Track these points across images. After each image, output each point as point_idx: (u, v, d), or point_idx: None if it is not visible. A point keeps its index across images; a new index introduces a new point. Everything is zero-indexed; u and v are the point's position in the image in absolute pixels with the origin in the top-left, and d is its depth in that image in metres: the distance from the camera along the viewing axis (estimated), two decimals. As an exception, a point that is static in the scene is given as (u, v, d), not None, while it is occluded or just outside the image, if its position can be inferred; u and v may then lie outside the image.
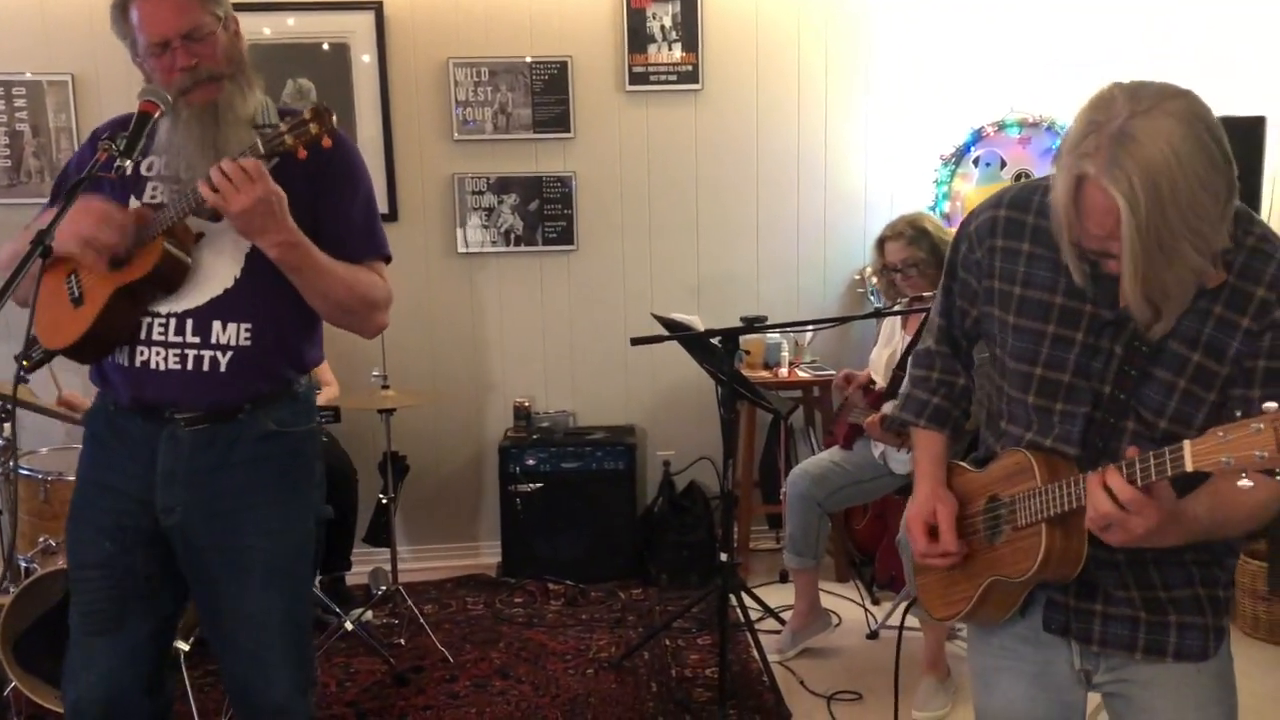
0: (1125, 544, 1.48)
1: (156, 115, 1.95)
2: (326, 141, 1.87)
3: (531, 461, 4.32)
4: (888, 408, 3.44)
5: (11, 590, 3.25)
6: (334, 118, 1.86)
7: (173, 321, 2.00)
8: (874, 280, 4.39)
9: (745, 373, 4.11)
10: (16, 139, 4.22)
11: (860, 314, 4.32)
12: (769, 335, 4.42)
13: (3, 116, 4.20)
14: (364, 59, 4.31)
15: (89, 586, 2.10)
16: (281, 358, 2.10)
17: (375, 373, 3.82)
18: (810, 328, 4.46)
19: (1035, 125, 4.34)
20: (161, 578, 2.11)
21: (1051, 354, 1.63)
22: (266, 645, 2.09)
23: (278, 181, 1.89)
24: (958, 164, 4.39)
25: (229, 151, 1.91)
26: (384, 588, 3.98)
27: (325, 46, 4.29)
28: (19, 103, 4.20)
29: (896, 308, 3.52)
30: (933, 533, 1.77)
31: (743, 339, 4.32)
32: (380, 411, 3.76)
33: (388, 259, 2.19)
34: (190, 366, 2.00)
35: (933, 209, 4.37)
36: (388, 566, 3.97)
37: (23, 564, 3.36)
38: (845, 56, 4.50)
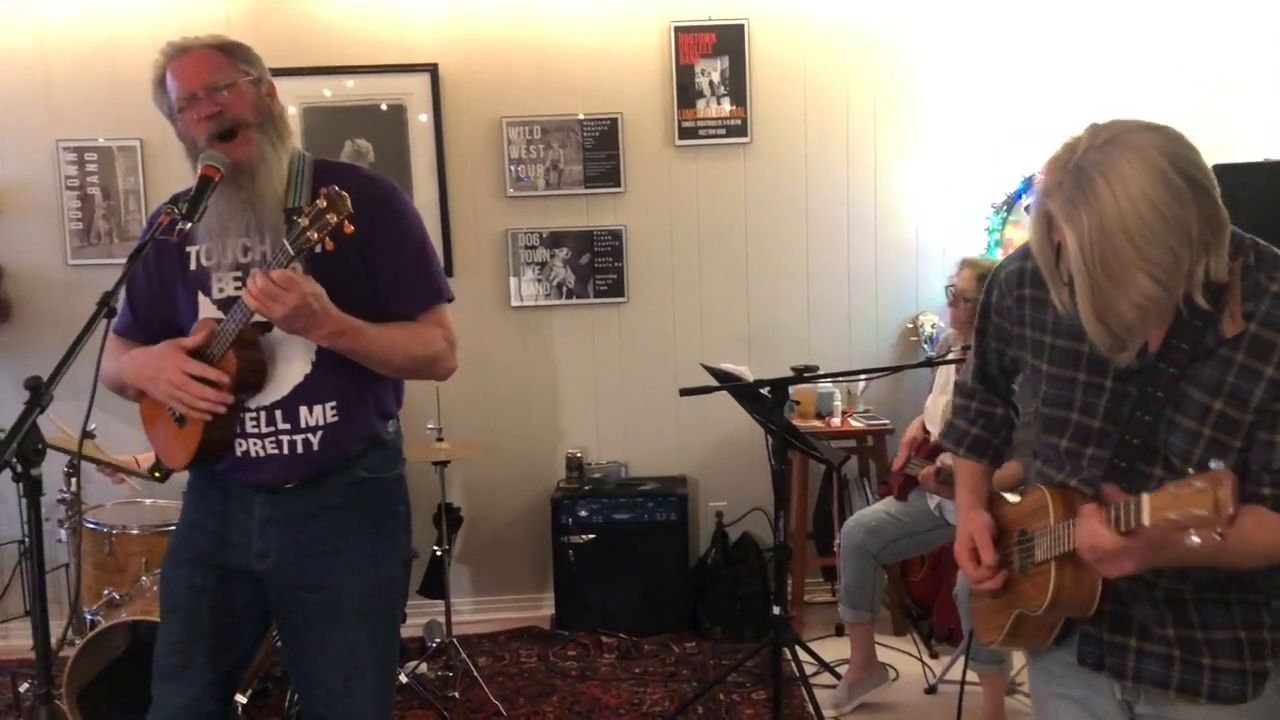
0: (1123, 575, 1.49)
1: (217, 179, 2.02)
2: (348, 228, 1.90)
3: (584, 513, 4.33)
4: (942, 459, 3.41)
5: (77, 643, 3.32)
6: (349, 202, 1.89)
7: (263, 414, 2.09)
8: (929, 327, 4.38)
9: (797, 423, 4.11)
10: (88, 202, 4.38)
11: (910, 363, 4.29)
12: (820, 385, 4.41)
13: (75, 180, 4.36)
14: (421, 119, 4.41)
15: (165, 629, 2.20)
16: (367, 417, 2.19)
17: (430, 425, 3.87)
18: (861, 378, 4.44)
19: (1087, 172, 4.30)
20: (233, 628, 2.18)
21: (1084, 400, 1.63)
22: (355, 683, 2.14)
23: (329, 258, 1.96)
24: (1009, 211, 4.37)
25: (263, 214, 2.01)
26: (439, 640, 4.00)
27: (384, 108, 4.41)
28: (90, 167, 4.36)
29: (949, 356, 3.51)
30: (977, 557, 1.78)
31: (794, 389, 4.34)
32: (435, 464, 3.80)
33: (449, 300, 2.24)
34: (285, 451, 2.10)
35: (984, 256, 4.35)
36: (442, 619, 3.99)
37: (88, 617, 3.43)
38: (895, 105, 4.52)
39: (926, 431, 3.68)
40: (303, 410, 2.10)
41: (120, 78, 4.29)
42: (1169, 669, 1.62)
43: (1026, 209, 4.37)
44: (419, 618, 4.24)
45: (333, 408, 2.12)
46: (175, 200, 1.98)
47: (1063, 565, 1.59)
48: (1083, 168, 1.40)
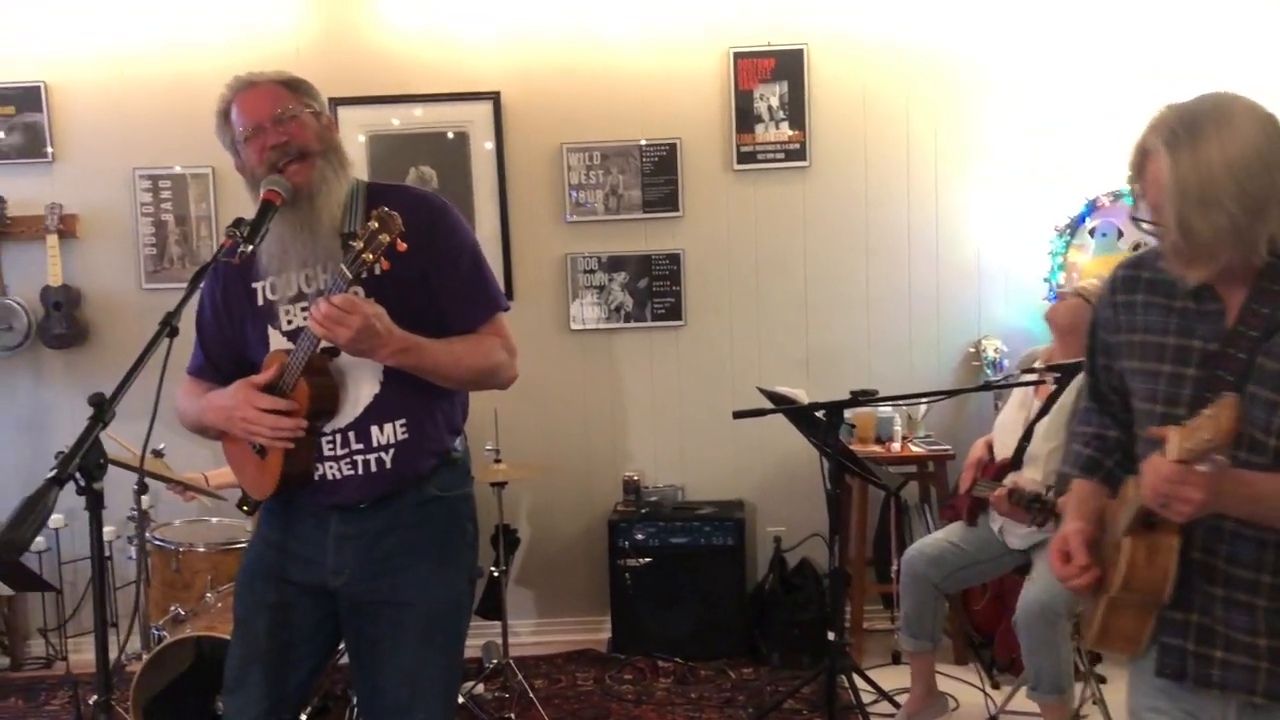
0: (1190, 516, 1.54)
1: (278, 204, 2.09)
2: (401, 246, 1.95)
3: (640, 536, 4.34)
4: (1012, 480, 3.36)
5: (144, 657, 3.40)
6: (399, 221, 1.94)
7: (338, 437, 2.16)
8: (991, 351, 4.32)
9: (856, 447, 4.08)
10: (162, 228, 4.52)
11: (968, 387, 4.24)
12: (880, 409, 4.37)
13: (150, 207, 4.51)
14: (486, 146, 4.49)
15: (237, 640, 2.28)
16: (437, 433, 2.24)
17: (488, 446, 3.92)
18: (920, 401, 4.38)
19: (1153, 194, 4.22)
20: (298, 645, 2.24)
21: (1168, 391, 1.70)
22: (419, 698, 2.18)
23: (386, 278, 2.01)
24: (1073, 235, 4.31)
25: (322, 240, 2.07)
26: (495, 661, 4.02)
27: (450, 135, 4.49)
28: (164, 194, 4.51)
29: (1010, 379, 3.47)
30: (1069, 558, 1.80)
31: (854, 413, 4.34)
32: (493, 484, 3.84)
33: (506, 309, 2.29)
34: (361, 470, 2.17)
35: (1047, 280, 4.29)
36: (500, 639, 4.01)
37: (154, 632, 3.51)
38: (955, 128, 4.50)
39: (993, 453, 3.62)
40: (374, 430, 2.16)
41: (195, 107, 4.36)
42: (1254, 676, 1.64)
43: (1090, 232, 4.30)
44: (476, 638, 4.26)
45: (403, 425, 2.17)
46: (238, 224, 2.05)
47: (1136, 541, 1.65)
48: (1192, 111, 1.58)
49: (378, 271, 1.97)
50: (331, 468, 2.17)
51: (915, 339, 4.57)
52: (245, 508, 2.29)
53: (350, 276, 1.98)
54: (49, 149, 4.48)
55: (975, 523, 3.57)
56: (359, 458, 2.16)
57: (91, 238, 4.53)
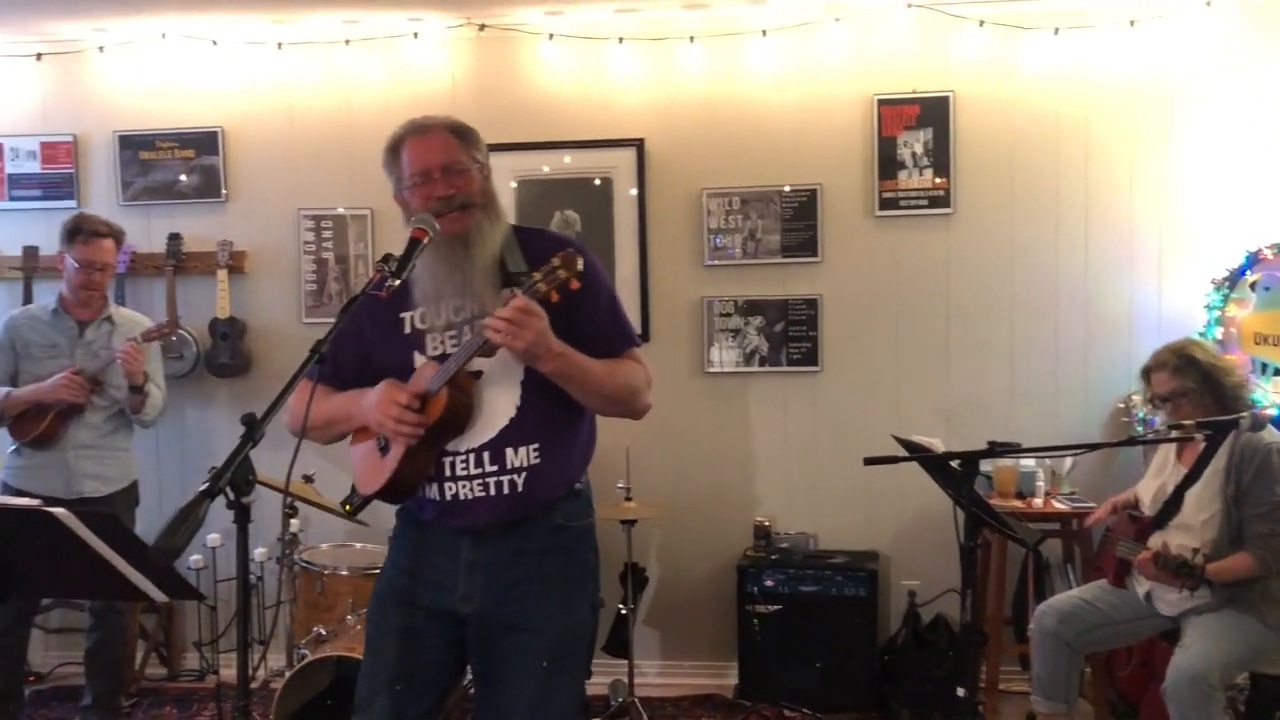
0: None
1: (425, 241, 2.20)
2: (574, 284, 2.07)
3: (770, 582, 4.30)
4: (1159, 542, 3.22)
5: (286, 674, 3.55)
6: (579, 264, 2.05)
7: (472, 456, 2.24)
8: (1144, 409, 4.15)
9: (995, 502, 3.97)
10: (322, 265, 4.77)
11: (1112, 441, 4.08)
12: (1023, 463, 4.24)
13: (312, 245, 4.76)
14: (630, 192, 4.58)
15: (369, 661, 2.36)
16: (567, 462, 2.32)
17: (620, 484, 3.96)
18: (1063, 454, 4.23)
19: (1319, 248, 4.02)
20: (427, 670, 2.30)
21: None
22: None
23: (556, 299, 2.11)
24: (1232, 288, 4.11)
25: (476, 277, 2.16)
26: (621, 699, 4.04)
27: (596, 182, 4.61)
28: (326, 234, 4.76)
29: (1160, 435, 3.32)
30: None
31: (995, 466, 4.22)
32: (622, 522, 3.88)
33: (639, 344, 2.39)
34: (493, 492, 2.24)
35: (1203, 334, 4.11)
36: (625, 678, 4.03)
37: (298, 651, 3.67)
38: (1107, 177, 4.38)
39: (1137, 511, 3.47)
40: (508, 452, 2.23)
41: (356, 152, 4.68)
42: None
43: (1251, 286, 4.10)
44: (603, 676, 4.30)
45: (535, 450, 2.24)
46: (386, 259, 2.16)
47: None
48: None
49: (551, 300, 2.08)
50: (464, 488, 2.24)
51: (1061, 392, 4.43)
52: (348, 507, 2.35)
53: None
54: (223, 190, 4.79)
55: (1123, 584, 3.43)
56: (491, 479, 2.23)
57: (258, 273, 4.81)
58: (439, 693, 2.36)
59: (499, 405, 2.24)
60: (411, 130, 2.28)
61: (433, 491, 2.28)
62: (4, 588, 2.02)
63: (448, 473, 2.25)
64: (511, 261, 2.24)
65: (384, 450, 2.27)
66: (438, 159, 2.23)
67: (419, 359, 2.30)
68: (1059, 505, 4.20)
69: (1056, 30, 4.33)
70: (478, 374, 2.23)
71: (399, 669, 2.29)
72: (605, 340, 2.29)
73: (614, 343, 2.31)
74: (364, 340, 2.35)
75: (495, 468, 2.23)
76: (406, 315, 2.32)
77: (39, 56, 4.80)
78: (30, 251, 4.74)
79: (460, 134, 2.29)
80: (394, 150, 2.29)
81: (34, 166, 4.87)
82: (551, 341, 2.11)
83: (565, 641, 2.29)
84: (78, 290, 3.88)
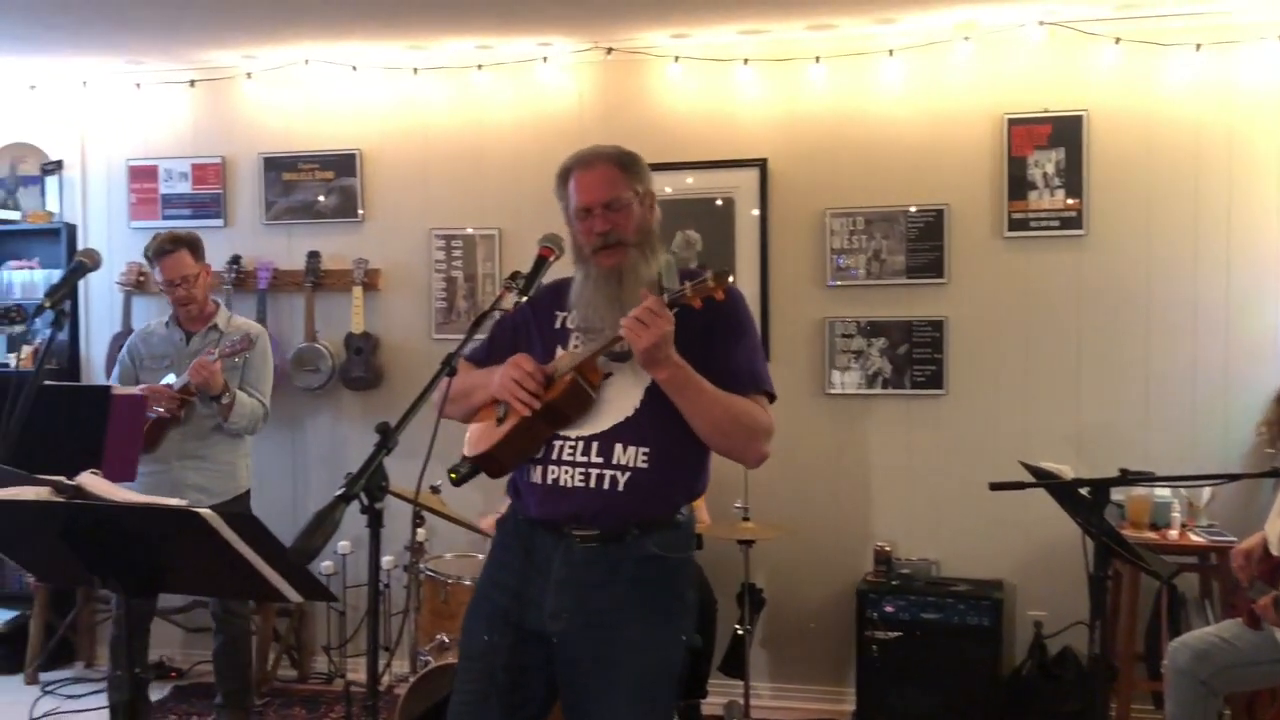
0: None
1: (551, 259, 2.29)
2: (719, 295, 2.13)
3: (890, 609, 4.23)
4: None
5: (410, 680, 3.65)
6: (731, 279, 2.11)
7: (580, 444, 2.27)
8: (1262, 430, 3.97)
9: (1128, 532, 3.83)
10: (452, 284, 4.91)
11: (1252, 472, 3.89)
12: (1158, 493, 4.08)
13: (443, 264, 4.91)
14: (752, 212, 4.60)
15: (463, 678, 2.37)
16: (671, 483, 2.31)
17: (737, 504, 3.96)
18: (1199, 483, 4.06)
19: None
20: (524, 686, 2.31)
21: None
22: None
23: (679, 325, 2.15)
24: (1390, 312, 3.90)
25: (631, 308, 2.18)
26: (736, 720, 4.03)
27: (718, 202, 4.64)
28: (456, 253, 4.90)
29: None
30: None
31: (1128, 495, 4.08)
32: (740, 542, 3.87)
33: (772, 397, 2.37)
34: (593, 484, 2.25)
35: (1357, 362, 3.90)
36: (741, 699, 4.01)
37: (421, 658, 3.77)
38: (1251, 199, 4.20)
39: (1266, 550, 3.31)
40: (617, 447, 2.25)
41: (485, 174, 4.82)
42: None
43: None
44: (719, 696, 4.29)
45: (645, 454, 2.25)
46: (514, 277, 2.24)
47: None
48: None
49: (695, 305, 2.15)
50: (567, 473, 2.26)
51: (1199, 420, 4.26)
52: (453, 475, 2.36)
53: (666, 301, 2.15)
54: (360, 210, 4.99)
55: (1259, 626, 3.26)
56: (594, 471, 2.25)
57: (390, 290, 4.98)
58: (532, 716, 2.34)
59: (619, 404, 2.27)
60: (578, 162, 2.35)
61: (535, 474, 2.30)
62: (153, 584, 2.13)
63: (554, 455, 2.28)
64: (668, 283, 2.28)
65: (500, 421, 2.32)
66: (599, 196, 2.30)
67: (559, 352, 2.36)
68: (1196, 538, 4.03)
69: (1198, 46, 4.19)
70: (608, 375, 2.28)
71: (492, 685, 2.29)
72: (735, 374, 2.29)
73: (744, 379, 2.30)
74: (520, 330, 2.44)
75: (600, 459, 2.25)
76: (559, 314, 2.41)
77: (192, 83, 5.08)
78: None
79: (624, 165, 2.34)
80: (563, 179, 2.37)
81: (185, 187, 5.15)
82: (671, 350, 2.14)
83: (651, 679, 2.25)
84: (174, 305, 4.08)
